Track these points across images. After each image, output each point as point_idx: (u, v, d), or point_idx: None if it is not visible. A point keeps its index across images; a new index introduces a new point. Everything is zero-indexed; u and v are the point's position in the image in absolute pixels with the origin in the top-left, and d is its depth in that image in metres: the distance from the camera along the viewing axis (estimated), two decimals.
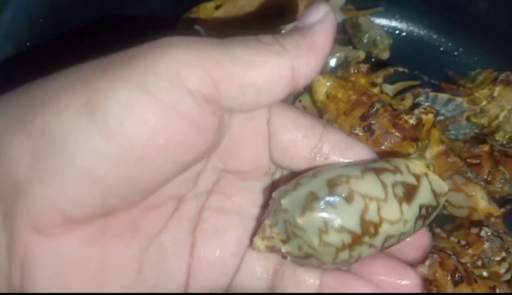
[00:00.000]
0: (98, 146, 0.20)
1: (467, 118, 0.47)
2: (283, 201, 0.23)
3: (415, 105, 0.43)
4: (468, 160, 0.44)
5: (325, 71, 0.42)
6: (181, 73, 0.21)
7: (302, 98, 0.44)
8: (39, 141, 0.20)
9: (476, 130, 0.47)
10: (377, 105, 0.39)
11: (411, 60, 0.50)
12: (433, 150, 0.42)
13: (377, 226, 0.23)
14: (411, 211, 0.24)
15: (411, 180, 0.24)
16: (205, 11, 0.47)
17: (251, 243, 0.25)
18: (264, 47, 0.22)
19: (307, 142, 0.25)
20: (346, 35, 0.51)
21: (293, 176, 0.25)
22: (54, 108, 0.21)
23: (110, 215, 0.22)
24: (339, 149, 0.25)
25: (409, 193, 0.24)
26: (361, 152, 0.25)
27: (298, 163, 0.25)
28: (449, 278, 0.38)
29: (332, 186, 0.23)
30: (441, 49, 0.53)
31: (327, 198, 0.23)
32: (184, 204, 0.25)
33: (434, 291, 0.38)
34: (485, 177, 0.44)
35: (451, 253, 0.40)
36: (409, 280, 0.25)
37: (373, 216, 0.23)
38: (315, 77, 0.24)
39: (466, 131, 0.47)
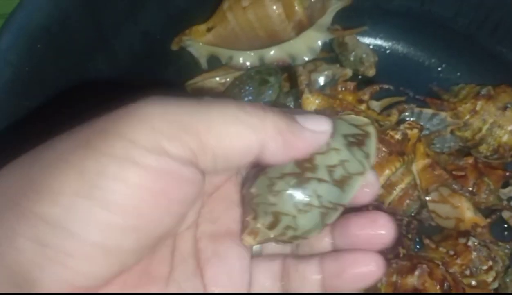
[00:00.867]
0: (104, 220, 0.21)
1: (452, 132, 0.48)
2: (252, 190, 0.25)
3: (401, 121, 0.44)
4: (453, 172, 0.45)
5: (314, 89, 0.43)
6: (161, 143, 0.21)
7: None
8: (42, 228, 0.21)
9: (461, 144, 0.48)
10: None
11: (396, 76, 0.51)
12: (419, 164, 0.43)
13: (310, 160, 0.24)
14: (336, 141, 0.25)
15: None
16: (197, 33, 0.48)
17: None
18: (242, 118, 0.23)
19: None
20: (333, 53, 0.52)
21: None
22: (49, 197, 0.21)
23: (126, 271, 0.23)
24: None
25: None
26: None
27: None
28: (438, 287, 0.39)
29: None
30: (425, 65, 0.54)
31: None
32: (181, 239, 0.26)
33: None
34: (470, 188, 0.45)
35: (439, 263, 0.41)
36: (384, 230, 0.26)
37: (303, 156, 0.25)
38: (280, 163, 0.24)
39: (450, 145, 0.47)
